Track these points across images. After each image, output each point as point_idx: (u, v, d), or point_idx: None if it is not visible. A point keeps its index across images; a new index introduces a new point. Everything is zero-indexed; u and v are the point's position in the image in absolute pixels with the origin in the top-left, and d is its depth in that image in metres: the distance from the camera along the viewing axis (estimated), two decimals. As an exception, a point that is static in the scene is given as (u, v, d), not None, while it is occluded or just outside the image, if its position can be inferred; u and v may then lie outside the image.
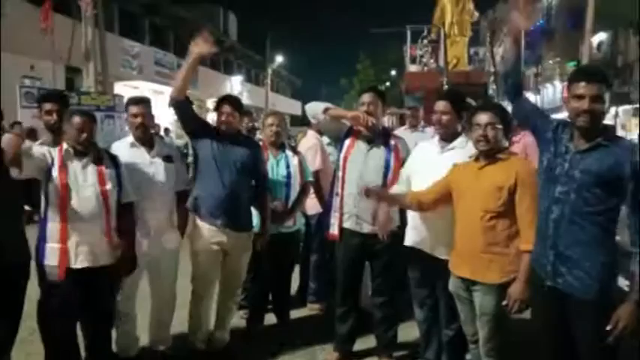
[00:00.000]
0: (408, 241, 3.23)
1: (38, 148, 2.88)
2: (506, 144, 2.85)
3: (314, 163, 4.45)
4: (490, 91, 10.33)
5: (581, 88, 2.23)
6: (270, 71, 35.89)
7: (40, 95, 3.74)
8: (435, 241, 3.07)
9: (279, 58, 38.73)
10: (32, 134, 7.98)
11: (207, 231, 3.43)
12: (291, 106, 45.61)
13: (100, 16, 11.97)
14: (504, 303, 2.57)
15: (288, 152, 4.10)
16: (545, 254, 2.36)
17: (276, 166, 3.99)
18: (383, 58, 35.26)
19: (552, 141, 2.41)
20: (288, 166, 4.02)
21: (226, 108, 3.46)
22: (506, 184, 2.60)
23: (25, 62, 14.57)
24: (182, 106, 3.40)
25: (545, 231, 2.37)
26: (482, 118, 2.69)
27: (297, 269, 4.70)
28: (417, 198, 3.00)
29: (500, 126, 2.68)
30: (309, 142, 4.68)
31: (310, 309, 4.61)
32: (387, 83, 33.77)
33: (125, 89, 17.76)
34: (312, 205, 4.53)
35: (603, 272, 2.21)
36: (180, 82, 3.39)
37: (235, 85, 30.91)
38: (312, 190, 4.42)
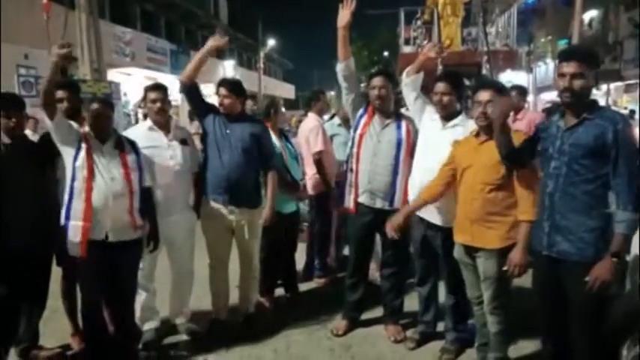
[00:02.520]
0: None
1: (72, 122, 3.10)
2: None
3: (316, 145, 4.61)
4: (484, 71, 10.41)
5: (563, 67, 2.43)
6: (262, 55, 35.71)
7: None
8: (437, 211, 3.26)
9: (271, 42, 38.49)
10: (35, 123, 8.11)
11: (214, 208, 3.64)
12: (283, 90, 45.43)
13: (94, 2, 11.94)
14: (505, 268, 2.78)
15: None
16: (540, 226, 2.56)
17: (286, 149, 4.23)
18: (375, 40, 35.11)
19: (545, 128, 2.63)
20: (293, 147, 4.30)
21: (222, 91, 3.65)
22: None
23: (19, 51, 14.52)
24: (191, 90, 3.63)
25: (541, 205, 2.56)
26: (483, 95, 2.87)
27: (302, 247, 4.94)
28: (430, 195, 3.14)
29: None
30: (310, 124, 4.82)
31: (317, 283, 4.84)
32: (380, 65, 33.67)
33: (118, 76, 17.72)
34: (314, 185, 4.72)
35: (596, 236, 2.39)
36: (191, 68, 3.61)
37: (228, 69, 30.74)
38: (314, 171, 4.63)
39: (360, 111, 3.65)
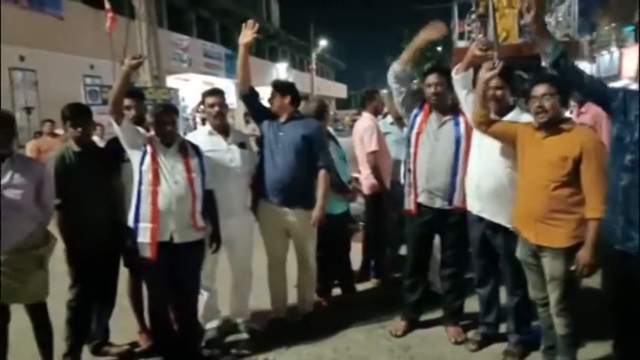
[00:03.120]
0: (471, 208, 3.35)
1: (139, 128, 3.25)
2: (567, 114, 2.89)
3: (370, 144, 4.57)
4: (543, 63, 10.02)
5: None
6: (314, 56, 35.95)
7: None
8: (497, 209, 3.18)
9: (323, 42, 38.71)
10: (101, 129, 8.52)
11: (269, 209, 3.71)
12: (336, 90, 45.59)
13: (152, 12, 12.40)
14: (572, 268, 2.67)
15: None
16: (615, 220, 2.43)
17: (335, 150, 4.23)
18: (428, 36, 34.49)
19: (621, 111, 2.45)
20: (340, 148, 4.33)
21: (272, 92, 3.73)
22: (571, 155, 2.66)
23: (85, 62, 15.32)
24: (249, 97, 3.74)
25: (614, 198, 2.43)
26: (538, 89, 2.77)
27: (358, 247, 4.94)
28: (489, 115, 3.10)
29: (557, 96, 2.73)
30: (364, 123, 4.78)
31: (373, 283, 4.82)
32: (433, 61, 33.04)
33: (177, 82, 18.32)
34: (369, 185, 4.70)
35: None
36: (239, 74, 3.70)
37: (281, 71, 31.20)
38: (369, 171, 4.61)
39: (415, 110, 3.60)
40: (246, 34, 3.58)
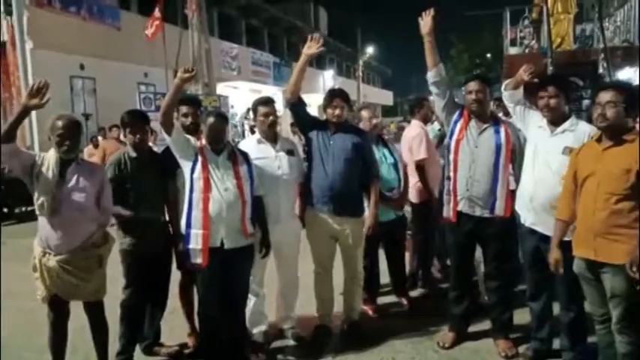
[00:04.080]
0: (524, 221, 3.28)
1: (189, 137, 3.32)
2: (633, 124, 2.76)
3: (419, 152, 4.55)
4: (600, 70, 9.64)
5: None
6: (361, 63, 35.97)
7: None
8: (552, 221, 3.05)
9: (370, 49, 38.67)
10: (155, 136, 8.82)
11: (318, 217, 3.72)
12: (382, 97, 45.40)
13: (204, 22, 12.76)
14: (639, 287, 2.53)
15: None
16: None
17: (383, 157, 4.21)
18: (477, 42, 33.85)
19: None
20: (392, 154, 4.28)
21: (338, 101, 3.71)
22: (635, 167, 2.54)
23: (140, 70, 15.90)
24: (296, 106, 3.76)
25: None
26: (603, 96, 2.66)
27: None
28: (570, 215, 2.88)
29: (622, 105, 2.61)
30: (413, 131, 4.75)
31: (420, 293, 4.75)
32: (482, 68, 32.41)
33: (226, 89, 18.72)
34: (417, 193, 4.66)
35: None
36: (293, 83, 3.72)
37: (328, 79, 31.33)
38: (417, 179, 4.57)
39: (455, 116, 3.56)
40: (311, 46, 3.62)
